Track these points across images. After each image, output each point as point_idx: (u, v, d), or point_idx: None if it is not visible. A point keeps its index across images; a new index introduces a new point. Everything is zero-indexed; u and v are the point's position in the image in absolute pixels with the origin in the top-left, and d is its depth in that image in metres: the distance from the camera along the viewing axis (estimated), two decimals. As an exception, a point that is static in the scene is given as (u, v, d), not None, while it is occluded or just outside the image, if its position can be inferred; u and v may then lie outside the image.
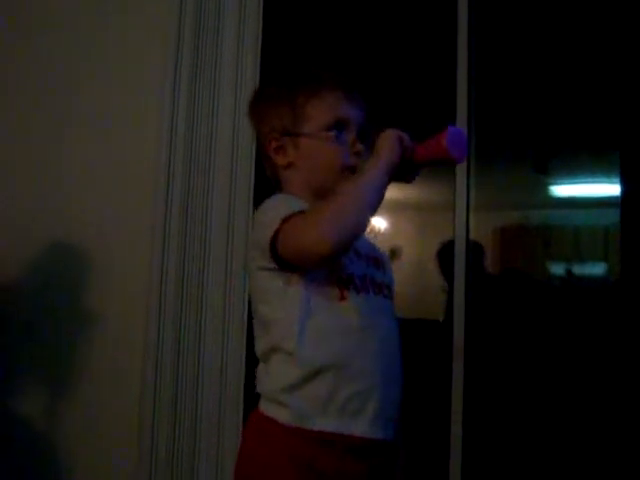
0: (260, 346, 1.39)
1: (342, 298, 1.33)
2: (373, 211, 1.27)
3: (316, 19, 3.03)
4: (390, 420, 1.36)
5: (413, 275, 5.46)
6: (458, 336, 2.40)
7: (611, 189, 2.88)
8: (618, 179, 2.65)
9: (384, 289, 1.44)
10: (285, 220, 1.26)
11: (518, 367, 2.84)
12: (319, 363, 1.30)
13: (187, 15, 2.48)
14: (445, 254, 2.50)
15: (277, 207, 1.32)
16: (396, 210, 5.14)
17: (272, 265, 1.30)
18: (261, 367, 1.39)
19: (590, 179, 3.85)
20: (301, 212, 1.28)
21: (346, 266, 1.36)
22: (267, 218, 1.30)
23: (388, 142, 1.32)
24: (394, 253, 5.99)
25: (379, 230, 5.63)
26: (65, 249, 2.66)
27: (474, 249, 2.68)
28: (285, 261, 1.29)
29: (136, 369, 2.45)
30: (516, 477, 2.66)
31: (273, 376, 1.34)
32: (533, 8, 2.85)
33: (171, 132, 2.41)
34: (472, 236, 2.53)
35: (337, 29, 3.07)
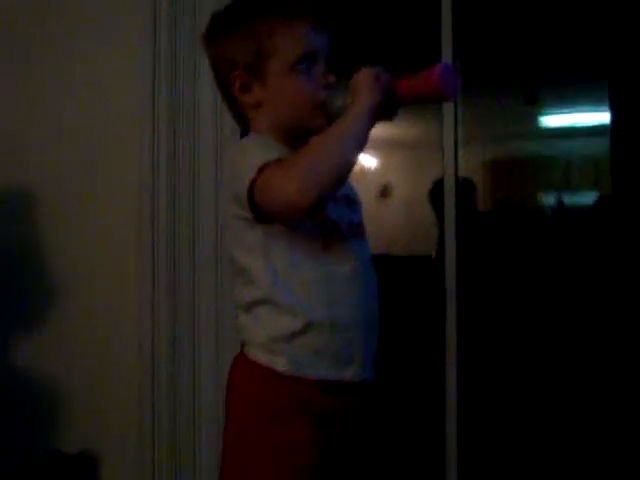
0: (244, 296, 1.33)
1: (326, 247, 1.29)
2: (356, 157, 1.21)
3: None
4: (372, 362, 1.36)
5: (405, 212, 5.47)
6: (450, 274, 2.40)
7: (600, 117, 2.86)
8: (607, 108, 2.63)
9: (360, 228, 1.40)
10: (262, 169, 1.19)
11: (512, 304, 2.86)
12: (310, 315, 1.27)
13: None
14: (437, 193, 2.48)
15: (252, 152, 1.25)
16: (385, 147, 5.11)
17: (250, 215, 1.24)
18: (246, 316, 1.34)
19: (579, 108, 3.84)
20: (278, 160, 1.20)
21: (327, 213, 1.30)
22: (242, 165, 1.23)
23: (365, 83, 1.23)
24: (385, 190, 5.99)
25: (369, 168, 5.62)
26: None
27: (465, 185, 2.67)
28: (264, 214, 1.23)
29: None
30: (513, 430, 2.71)
31: (264, 326, 1.30)
32: None
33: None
34: (462, 171, 2.51)
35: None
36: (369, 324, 1.34)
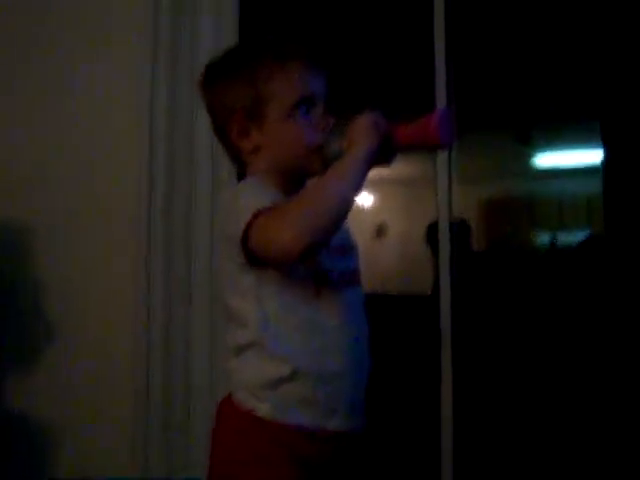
0: (234, 340, 1.31)
1: (317, 295, 1.27)
2: (352, 203, 1.20)
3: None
4: (360, 411, 1.33)
5: (399, 250, 5.49)
6: (445, 313, 2.40)
7: (593, 157, 2.89)
8: (600, 147, 2.66)
9: (355, 276, 1.37)
10: (257, 215, 1.17)
11: (506, 343, 2.86)
12: (297, 363, 1.25)
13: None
14: (434, 233, 2.49)
15: (247, 196, 1.24)
16: (380, 186, 5.15)
17: (243, 259, 1.23)
18: (235, 360, 1.32)
19: (572, 148, 3.87)
20: (274, 206, 1.19)
21: (321, 261, 1.28)
22: (238, 209, 1.21)
23: (363, 129, 1.22)
24: (380, 230, 6.01)
25: (363, 207, 5.65)
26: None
27: (460, 226, 2.68)
28: (257, 259, 1.22)
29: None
30: (508, 456, 2.69)
31: (250, 370, 1.29)
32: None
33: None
34: (457, 209, 2.52)
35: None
36: (357, 375, 1.31)
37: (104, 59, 2.60)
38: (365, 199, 5.54)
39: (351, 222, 1.44)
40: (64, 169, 2.62)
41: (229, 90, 1.31)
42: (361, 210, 5.36)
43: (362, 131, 1.22)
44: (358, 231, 1.52)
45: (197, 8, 2.45)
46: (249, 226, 1.16)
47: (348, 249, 1.39)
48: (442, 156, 2.37)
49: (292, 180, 1.29)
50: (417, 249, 3.20)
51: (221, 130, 1.33)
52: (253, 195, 1.23)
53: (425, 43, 2.46)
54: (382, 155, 1.24)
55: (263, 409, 1.24)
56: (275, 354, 1.25)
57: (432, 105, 2.34)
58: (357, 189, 1.20)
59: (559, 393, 2.71)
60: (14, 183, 2.58)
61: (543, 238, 4.04)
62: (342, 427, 1.28)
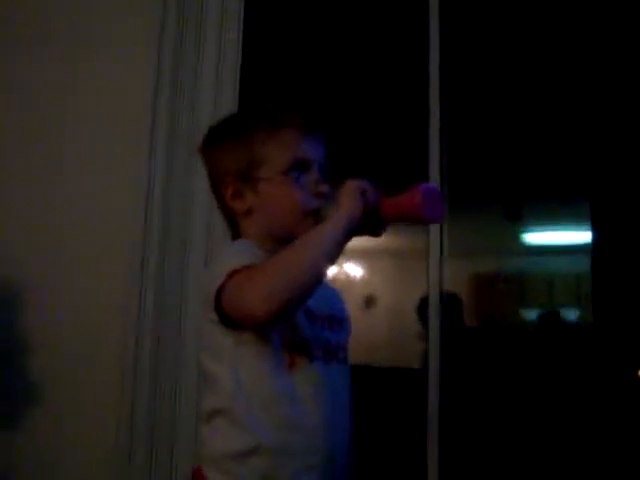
0: (206, 405, 1.29)
1: (292, 365, 1.24)
2: (325, 269, 1.17)
3: (294, 64, 3.06)
4: None
5: (388, 322, 5.47)
6: (433, 387, 2.39)
7: (582, 236, 2.92)
8: (589, 227, 2.69)
9: (339, 352, 1.33)
10: (232, 275, 1.17)
11: (495, 419, 2.83)
12: (265, 435, 1.21)
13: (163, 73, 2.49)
14: (426, 307, 2.49)
15: (229, 257, 1.24)
16: (371, 257, 5.17)
17: (217, 319, 1.21)
18: (205, 428, 1.30)
19: (562, 227, 3.92)
20: (249, 267, 1.18)
21: (299, 330, 1.26)
22: (217, 269, 1.21)
23: (348, 195, 1.21)
24: (369, 301, 6.00)
25: (354, 277, 5.66)
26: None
27: (452, 300, 2.69)
28: (229, 319, 1.19)
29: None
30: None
31: (218, 440, 1.25)
32: (503, 62, 2.91)
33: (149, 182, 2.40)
34: (447, 283, 2.54)
35: (314, 71, 3.11)
36: (329, 457, 1.26)
37: (104, 122, 2.65)
38: (355, 270, 5.55)
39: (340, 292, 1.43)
40: (61, 224, 2.64)
41: (225, 153, 1.34)
42: (351, 281, 5.37)
43: (347, 196, 1.21)
44: (347, 301, 1.51)
45: (197, 76, 2.51)
46: (223, 287, 1.16)
47: (337, 321, 1.36)
48: (434, 229, 2.40)
49: (283, 245, 1.24)
50: (406, 321, 3.20)
51: (217, 192, 1.35)
52: (235, 257, 1.22)
53: (419, 119, 2.51)
54: (370, 225, 1.23)
55: None
56: (242, 424, 1.21)
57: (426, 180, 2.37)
58: (334, 255, 1.18)
59: (547, 471, 2.68)
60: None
61: (532, 315, 4.04)
62: None
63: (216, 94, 2.48)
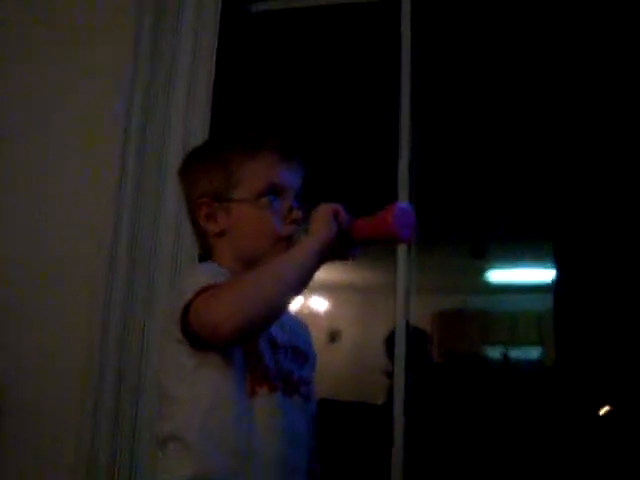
0: (161, 430, 1.24)
1: (253, 393, 1.21)
2: (295, 292, 1.16)
3: (267, 92, 3.09)
4: None
5: (353, 357, 5.46)
6: (398, 421, 2.39)
7: (545, 275, 2.97)
8: (552, 266, 2.74)
9: (301, 387, 1.30)
10: (199, 292, 1.14)
11: (457, 451, 2.85)
12: (214, 466, 1.18)
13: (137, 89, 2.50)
14: (393, 341, 2.50)
15: (197, 275, 1.22)
16: (336, 291, 5.17)
17: (183, 339, 1.17)
18: (161, 455, 1.25)
19: (525, 265, 3.97)
20: (217, 284, 1.15)
21: (262, 358, 1.24)
22: (184, 286, 1.19)
23: (322, 218, 1.20)
24: (333, 336, 5.99)
25: (318, 312, 5.64)
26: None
27: (419, 335, 2.70)
28: (194, 337, 1.16)
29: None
30: None
31: (168, 470, 1.21)
32: (468, 98, 2.97)
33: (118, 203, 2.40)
34: (412, 319, 2.56)
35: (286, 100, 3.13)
36: None
37: (78, 145, 2.65)
38: (320, 304, 5.54)
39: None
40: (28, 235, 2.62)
41: (202, 174, 1.31)
42: (315, 315, 5.36)
43: (320, 220, 1.20)
44: (312, 335, 1.51)
45: (170, 100, 2.52)
46: (190, 303, 1.14)
47: (302, 355, 1.35)
48: (402, 264, 2.42)
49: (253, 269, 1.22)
50: (370, 356, 3.21)
51: (192, 214, 1.34)
52: (204, 275, 1.20)
53: (389, 159, 2.55)
54: (342, 248, 1.22)
55: None
56: (195, 451, 1.18)
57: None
58: (305, 278, 1.17)
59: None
60: None
61: (495, 352, 4.08)
62: None
63: (186, 118, 2.49)
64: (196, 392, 1.19)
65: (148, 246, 2.41)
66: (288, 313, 1.30)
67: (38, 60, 2.73)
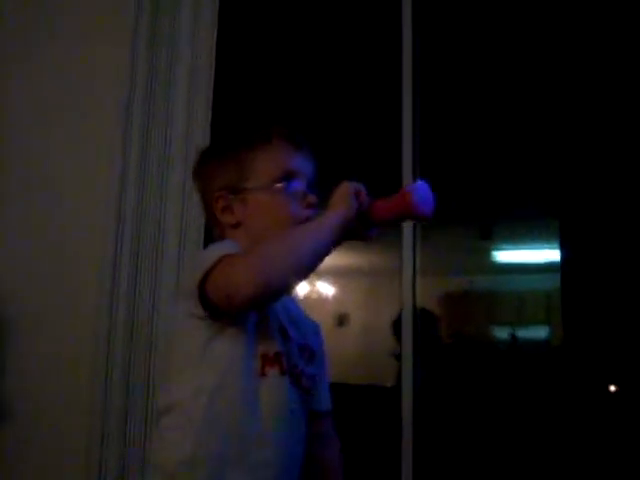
0: (163, 400, 1.27)
1: (263, 373, 1.25)
2: (313, 262, 1.19)
3: (267, 77, 3.08)
4: None
5: (361, 341, 5.46)
6: (407, 403, 2.40)
7: (551, 255, 2.96)
8: (558, 246, 2.73)
9: (303, 379, 1.34)
10: (219, 260, 1.17)
11: (466, 432, 2.85)
12: (217, 444, 1.20)
13: (138, 86, 2.49)
14: (401, 324, 2.50)
15: (214, 250, 1.25)
16: (343, 276, 5.16)
17: (198, 311, 1.20)
18: (156, 434, 1.28)
19: (532, 245, 3.96)
20: (234, 254, 1.20)
21: (275, 342, 1.28)
22: (204, 256, 1.22)
23: (343, 195, 1.24)
24: (342, 320, 5.99)
25: (326, 296, 5.64)
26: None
27: (427, 317, 2.70)
28: (211, 305, 1.19)
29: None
30: None
31: (167, 447, 1.23)
32: (473, 80, 2.95)
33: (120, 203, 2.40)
34: (419, 302, 2.56)
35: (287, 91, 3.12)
36: (283, 472, 1.26)
37: (80, 138, 2.65)
38: (327, 289, 5.54)
39: (312, 311, 1.44)
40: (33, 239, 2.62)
41: (216, 169, 1.37)
42: (323, 299, 5.36)
43: (342, 196, 1.24)
44: (319, 320, 1.52)
45: (170, 92, 2.51)
46: (211, 270, 1.16)
47: (309, 352, 1.38)
48: (407, 246, 2.42)
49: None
50: (379, 339, 3.20)
51: (209, 210, 1.37)
52: (222, 248, 1.23)
53: (392, 141, 2.54)
54: (360, 228, 1.25)
55: None
56: (198, 427, 1.19)
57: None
58: (321, 251, 1.19)
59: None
60: None
61: (502, 332, 4.08)
62: None
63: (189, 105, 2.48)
64: (205, 368, 1.21)
65: (152, 244, 2.42)
66: (301, 314, 1.39)
67: (39, 60, 2.73)
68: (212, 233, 1.45)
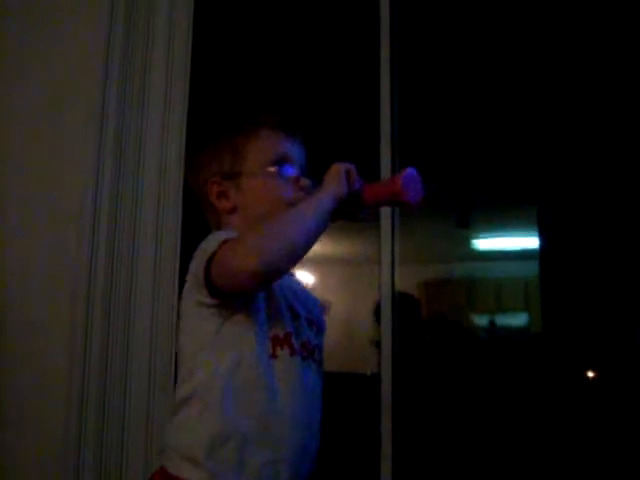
0: (179, 392, 1.31)
1: (274, 356, 1.30)
2: (310, 238, 1.24)
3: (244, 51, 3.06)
4: None
5: (341, 329, 5.48)
6: (386, 390, 2.40)
7: (530, 242, 2.97)
8: (536, 233, 2.74)
9: (316, 352, 1.41)
10: (223, 243, 1.22)
11: (446, 419, 2.86)
12: (237, 425, 1.24)
13: (111, 86, 2.47)
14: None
15: (215, 237, 1.29)
16: (323, 264, 5.17)
17: (206, 298, 1.25)
18: (173, 420, 1.32)
19: (510, 233, 3.98)
20: (235, 238, 1.25)
21: (283, 323, 1.33)
22: (206, 245, 1.27)
23: (335, 175, 1.30)
24: (322, 308, 6.01)
25: (306, 285, 5.65)
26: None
27: (408, 301, 2.71)
28: (218, 290, 1.23)
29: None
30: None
31: (187, 429, 1.27)
32: (451, 68, 2.95)
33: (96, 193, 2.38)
34: (397, 289, 2.56)
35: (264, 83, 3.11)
36: (302, 450, 1.31)
37: (54, 134, 2.61)
38: (307, 277, 5.55)
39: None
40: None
41: (209, 158, 1.42)
42: (304, 287, 5.38)
43: (333, 176, 1.30)
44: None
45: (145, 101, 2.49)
46: (214, 254, 1.21)
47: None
48: (386, 236, 2.42)
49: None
50: (359, 327, 3.21)
51: (203, 197, 1.41)
52: (223, 234, 1.27)
53: (371, 130, 2.53)
54: (350, 208, 1.29)
55: (198, 477, 1.22)
56: (215, 411, 1.24)
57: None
58: (320, 226, 1.24)
59: (499, 471, 2.71)
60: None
61: (482, 320, 4.10)
62: None
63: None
64: (217, 354, 1.25)
65: (128, 235, 2.40)
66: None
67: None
68: (207, 222, 1.49)
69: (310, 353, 1.38)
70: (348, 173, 1.30)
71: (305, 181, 1.41)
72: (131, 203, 2.39)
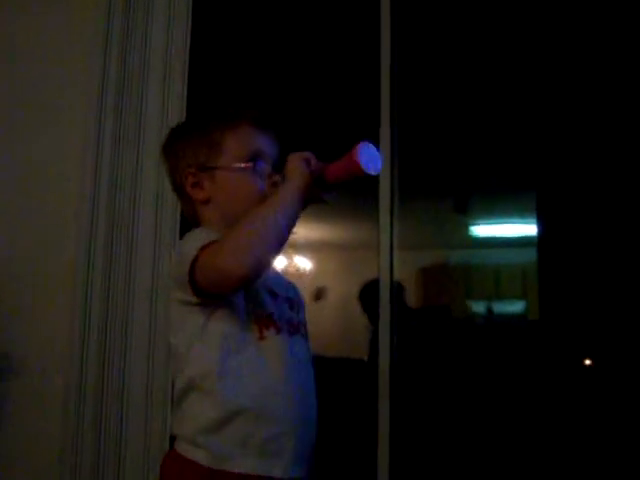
0: (178, 384, 1.36)
1: (261, 337, 1.33)
2: (285, 232, 1.27)
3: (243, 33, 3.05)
4: (306, 460, 1.37)
5: (338, 314, 5.48)
6: (383, 375, 2.41)
7: (528, 229, 2.97)
8: (535, 219, 2.74)
9: (301, 328, 1.45)
10: (202, 249, 1.25)
11: (444, 405, 2.87)
12: (238, 404, 1.28)
13: (110, 81, 2.46)
14: (367, 294, 2.51)
15: (196, 239, 1.31)
16: (320, 250, 5.17)
17: (192, 298, 1.28)
18: (178, 408, 1.37)
19: (508, 219, 3.98)
20: (214, 241, 1.27)
21: (265, 306, 1.37)
22: (185, 249, 1.29)
23: (294, 165, 1.33)
24: (319, 293, 6.00)
25: (304, 270, 5.65)
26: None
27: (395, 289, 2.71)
28: (204, 291, 1.27)
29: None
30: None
31: (190, 417, 1.32)
32: (450, 53, 2.94)
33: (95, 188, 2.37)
34: (396, 275, 2.56)
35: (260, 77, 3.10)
36: (302, 421, 1.35)
37: (55, 130, 2.61)
38: (304, 263, 5.55)
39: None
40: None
41: (186, 148, 1.45)
42: (301, 274, 5.37)
43: (295, 168, 1.32)
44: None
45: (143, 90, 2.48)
46: (195, 260, 1.23)
47: (295, 304, 1.48)
48: (384, 220, 2.42)
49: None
50: (356, 312, 3.22)
51: (179, 186, 1.43)
52: (201, 237, 1.30)
53: (370, 117, 2.53)
54: (318, 192, 1.35)
55: (203, 457, 1.26)
56: (215, 395, 1.28)
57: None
58: (290, 218, 1.28)
59: (498, 461, 2.72)
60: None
61: (479, 306, 4.11)
62: (287, 473, 1.30)
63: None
64: (207, 346, 1.29)
65: (127, 228, 2.40)
66: (276, 271, 1.47)
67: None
68: (183, 211, 1.53)
69: (296, 329, 1.42)
70: (307, 161, 1.34)
71: (277, 177, 1.43)
72: (130, 203, 2.39)
